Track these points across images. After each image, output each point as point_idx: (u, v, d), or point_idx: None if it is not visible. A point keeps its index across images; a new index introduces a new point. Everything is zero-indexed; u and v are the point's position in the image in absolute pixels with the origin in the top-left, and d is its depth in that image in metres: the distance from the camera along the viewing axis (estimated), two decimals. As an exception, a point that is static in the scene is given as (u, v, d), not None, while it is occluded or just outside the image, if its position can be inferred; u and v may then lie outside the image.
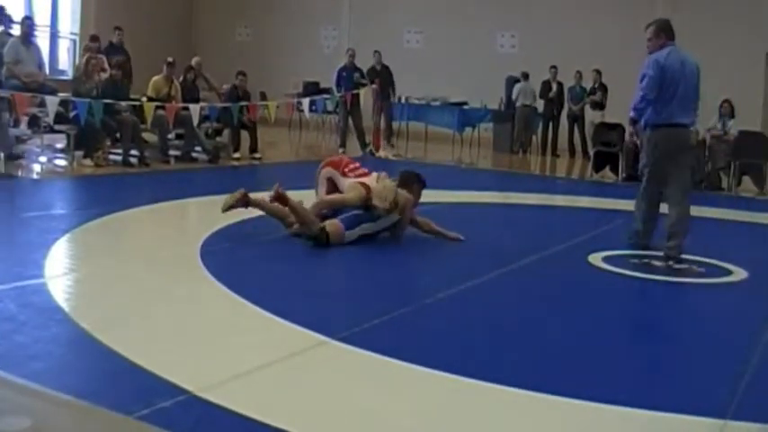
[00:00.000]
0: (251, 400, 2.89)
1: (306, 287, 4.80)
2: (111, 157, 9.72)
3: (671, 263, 5.80)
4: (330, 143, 14.41)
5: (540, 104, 14.77)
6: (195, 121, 10.22)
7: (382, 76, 14.00)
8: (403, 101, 15.64)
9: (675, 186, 6.04)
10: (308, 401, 2.98)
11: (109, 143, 9.81)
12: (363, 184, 5.93)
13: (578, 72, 14.18)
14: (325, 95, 13.85)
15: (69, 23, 17.46)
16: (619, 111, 13.14)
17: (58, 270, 4.68)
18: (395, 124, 15.98)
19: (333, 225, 5.67)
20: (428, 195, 6.50)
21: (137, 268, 4.89)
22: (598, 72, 13.83)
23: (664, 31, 6.10)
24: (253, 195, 5.90)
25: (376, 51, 14.19)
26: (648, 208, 6.22)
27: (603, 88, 13.88)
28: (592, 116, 13.71)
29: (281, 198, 5.75)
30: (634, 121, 6.16)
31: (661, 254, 5.98)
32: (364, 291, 4.92)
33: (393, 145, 14.30)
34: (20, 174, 8.88)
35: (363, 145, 12.81)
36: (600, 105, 13.88)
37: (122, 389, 2.93)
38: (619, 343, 4.12)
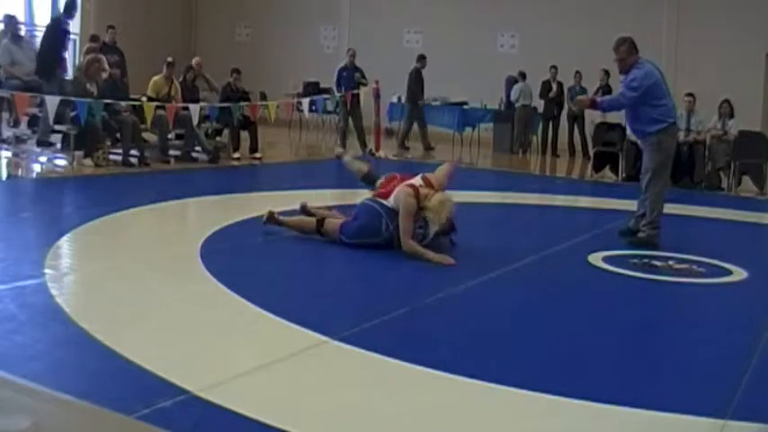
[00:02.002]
0: (251, 400, 2.89)
1: (306, 287, 4.81)
2: (111, 157, 9.72)
3: (671, 262, 5.81)
4: (330, 143, 14.41)
5: (539, 104, 14.77)
6: (195, 121, 10.22)
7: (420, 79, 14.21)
8: (402, 101, 15.64)
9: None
10: (308, 401, 2.98)
11: (109, 143, 9.81)
12: (412, 186, 5.61)
13: (578, 72, 14.16)
14: (326, 95, 13.85)
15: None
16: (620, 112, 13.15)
17: (58, 270, 4.69)
18: (395, 124, 15.99)
19: (330, 224, 5.70)
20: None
21: (137, 268, 4.89)
22: (606, 72, 13.78)
23: (635, 48, 6.45)
24: (282, 218, 5.99)
25: (422, 56, 14.35)
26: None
27: (608, 89, 13.83)
28: (595, 116, 13.65)
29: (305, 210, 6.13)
30: (595, 106, 7.24)
31: (662, 254, 6.01)
32: (364, 291, 4.92)
33: (433, 147, 14.30)
34: (20, 174, 8.88)
35: (363, 145, 12.81)
36: None
37: (122, 389, 2.93)
38: (619, 343, 4.12)
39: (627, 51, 6.36)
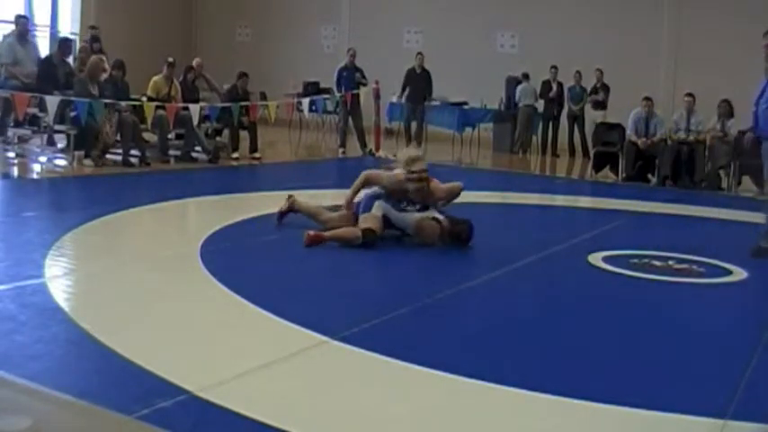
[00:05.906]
0: (251, 400, 2.89)
1: (306, 287, 4.80)
2: (112, 157, 9.72)
3: (671, 262, 5.80)
4: (330, 143, 14.41)
5: (539, 104, 14.77)
6: (195, 121, 10.22)
7: (421, 79, 14.09)
8: (403, 101, 15.63)
9: None
10: (308, 401, 2.98)
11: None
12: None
13: (578, 72, 14.17)
14: (326, 95, 13.84)
15: (69, 23, 17.45)
16: (619, 111, 13.15)
17: (58, 270, 4.68)
18: (395, 124, 15.98)
19: (369, 219, 5.72)
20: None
21: (137, 268, 4.89)
22: (600, 71, 13.81)
23: None
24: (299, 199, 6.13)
25: (419, 53, 14.29)
26: None
27: (606, 88, 13.85)
28: (593, 116, 13.67)
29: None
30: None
31: (662, 253, 6.01)
32: (364, 291, 4.91)
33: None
34: (20, 173, 8.88)
35: (363, 145, 12.81)
36: (602, 105, 13.85)
37: (122, 389, 2.93)
38: (619, 343, 4.12)
39: None
